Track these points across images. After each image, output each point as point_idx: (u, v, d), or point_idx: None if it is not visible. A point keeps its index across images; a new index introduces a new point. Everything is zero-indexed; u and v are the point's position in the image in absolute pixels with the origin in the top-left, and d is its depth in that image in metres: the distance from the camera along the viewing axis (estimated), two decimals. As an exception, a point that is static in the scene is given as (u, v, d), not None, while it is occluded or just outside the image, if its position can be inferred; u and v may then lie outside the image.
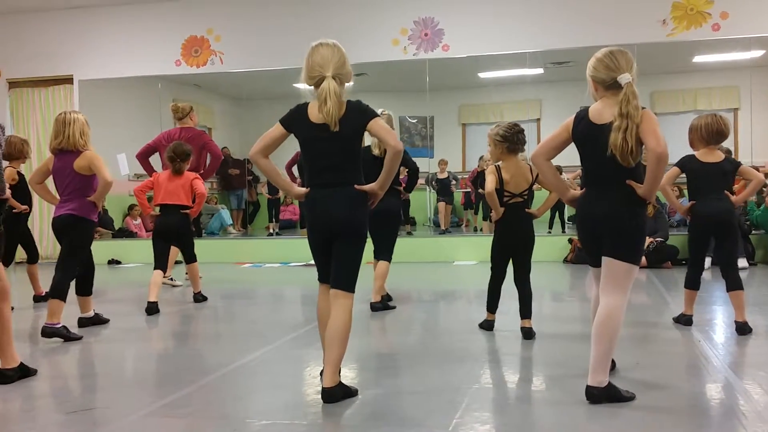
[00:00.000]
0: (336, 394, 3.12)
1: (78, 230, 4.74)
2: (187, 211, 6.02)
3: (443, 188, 12.09)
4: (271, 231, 12.21)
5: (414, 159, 10.29)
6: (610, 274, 3.09)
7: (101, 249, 9.94)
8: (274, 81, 10.67)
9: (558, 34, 9.33)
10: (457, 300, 6.53)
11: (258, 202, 13.51)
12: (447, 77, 11.44)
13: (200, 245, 9.83)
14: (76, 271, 4.82)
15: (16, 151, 6.06)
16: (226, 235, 11.95)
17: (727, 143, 10.95)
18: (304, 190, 3.27)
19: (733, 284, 4.46)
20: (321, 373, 3.34)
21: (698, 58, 11.06)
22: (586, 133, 3.11)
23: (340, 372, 3.23)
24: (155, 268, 5.82)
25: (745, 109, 11.83)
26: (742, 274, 7.26)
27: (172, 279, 7.21)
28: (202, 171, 7.45)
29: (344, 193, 3.17)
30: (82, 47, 10.83)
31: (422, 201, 12.53)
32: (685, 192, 5.48)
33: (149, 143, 7.42)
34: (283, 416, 2.98)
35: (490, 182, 4.31)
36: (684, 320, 4.64)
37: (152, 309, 5.59)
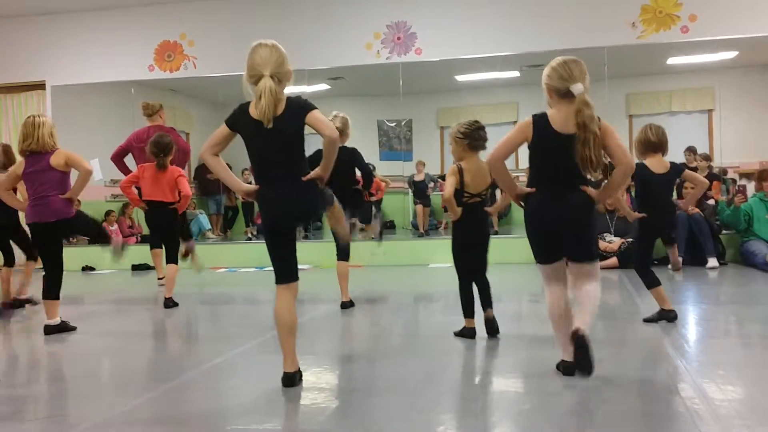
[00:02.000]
0: (297, 377, 3.39)
1: (63, 232, 4.96)
2: (174, 206, 6.12)
3: (419, 191, 12.11)
4: (249, 235, 12.19)
5: (390, 162, 10.30)
6: (584, 272, 3.36)
7: (76, 255, 9.89)
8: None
9: (529, 37, 9.38)
10: (426, 302, 6.55)
11: (237, 206, 13.49)
12: (425, 81, 11.47)
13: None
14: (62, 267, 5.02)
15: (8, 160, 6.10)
16: (204, 240, 11.90)
17: (702, 144, 11.15)
18: (252, 187, 3.37)
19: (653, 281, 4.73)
20: (282, 377, 3.37)
21: (672, 60, 11.16)
22: (548, 141, 3.22)
23: None
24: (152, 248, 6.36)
25: (719, 110, 11.98)
26: (713, 273, 7.40)
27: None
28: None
29: (298, 188, 3.29)
30: (54, 53, 10.76)
31: (402, 205, 12.56)
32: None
33: (121, 145, 7.59)
34: (240, 421, 2.97)
35: (450, 185, 4.25)
36: (668, 317, 4.65)
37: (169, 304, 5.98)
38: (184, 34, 10.41)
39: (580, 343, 3.14)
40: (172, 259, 6.20)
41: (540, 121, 3.24)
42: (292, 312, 3.36)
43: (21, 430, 2.98)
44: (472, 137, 4.26)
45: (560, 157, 3.18)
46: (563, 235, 3.33)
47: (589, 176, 3.29)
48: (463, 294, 4.45)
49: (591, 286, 3.33)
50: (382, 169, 12.14)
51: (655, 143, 4.61)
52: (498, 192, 5.01)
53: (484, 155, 4.29)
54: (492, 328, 4.38)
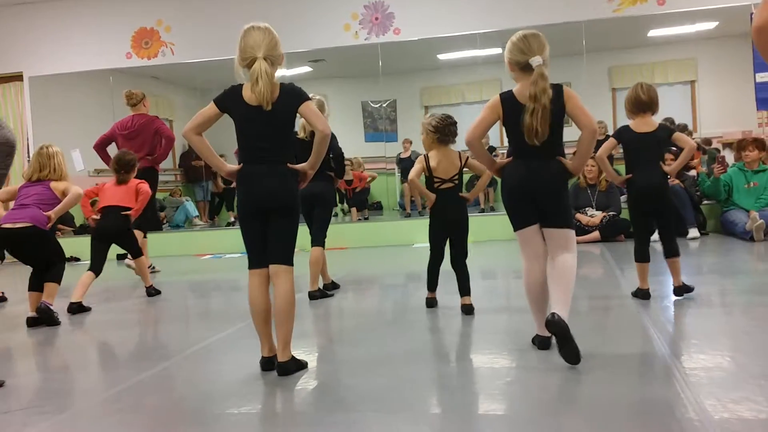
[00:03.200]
0: (290, 367, 3.30)
1: (42, 240, 4.94)
2: (128, 213, 5.91)
3: (406, 169, 12.08)
4: (232, 218, 12.18)
5: (374, 144, 10.24)
6: (561, 241, 3.35)
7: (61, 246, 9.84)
8: (232, 70, 10.60)
9: (506, 14, 9.38)
10: (408, 282, 6.56)
11: (223, 192, 13.47)
12: (407, 60, 11.44)
13: (164, 238, 9.87)
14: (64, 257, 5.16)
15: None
16: (191, 227, 11.90)
17: (686, 115, 11.19)
18: (235, 167, 3.35)
19: (671, 251, 4.58)
20: (260, 362, 3.40)
21: (653, 32, 11.16)
22: (516, 114, 3.28)
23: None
24: (89, 269, 5.66)
25: (702, 81, 12.01)
26: (694, 244, 7.45)
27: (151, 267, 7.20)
28: (156, 155, 7.50)
29: (278, 170, 3.29)
30: (30, 43, 10.68)
31: (388, 186, 12.56)
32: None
33: (105, 134, 7.60)
34: (217, 406, 2.98)
35: (415, 171, 4.46)
36: (641, 294, 4.64)
37: (73, 309, 5.45)
38: (160, 21, 10.34)
39: (558, 331, 3.11)
40: (136, 254, 6.10)
41: (507, 96, 3.33)
42: (265, 298, 3.35)
43: (-2, 422, 2.99)
44: (443, 132, 4.44)
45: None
46: (538, 202, 3.35)
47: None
48: (429, 270, 4.70)
49: (568, 255, 3.31)
50: (368, 150, 12.15)
51: (645, 102, 4.49)
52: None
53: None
54: (467, 311, 4.48)
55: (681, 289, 4.58)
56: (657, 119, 4.62)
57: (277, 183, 3.27)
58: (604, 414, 2.58)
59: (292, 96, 3.24)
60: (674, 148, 4.96)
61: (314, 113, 3.27)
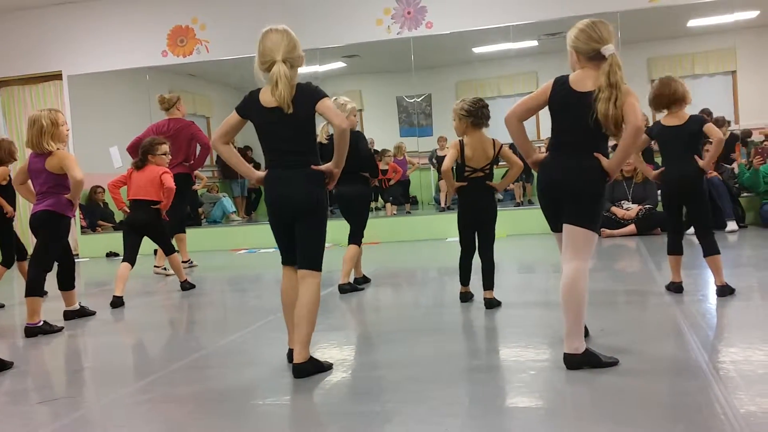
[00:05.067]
0: (306, 369, 3.21)
1: (53, 226, 4.77)
2: (158, 206, 6.01)
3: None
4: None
5: (408, 138, 10.14)
6: (570, 240, 3.11)
7: (100, 242, 10.04)
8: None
9: (540, 5, 9.29)
10: (439, 275, 6.54)
11: (260, 188, 13.53)
12: (441, 54, 11.39)
13: (200, 234, 9.99)
14: (50, 266, 4.83)
15: (6, 154, 6.10)
16: (228, 222, 12.00)
17: (727, 106, 10.97)
18: (263, 174, 3.33)
19: (709, 249, 4.40)
20: (288, 354, 3.42)
21: (692, 22, 10.94)
22: (565, 100, 3.12)
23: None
24: (123, 261, 5.83)
25: (742, 71, 11.75)
26: (733, 237, 7.31)
27: (165, 269, 7.27)
28: (192, 161, 7.51)
29: (302, 174, 3.23)
30: (69, 43, 10.88)
31: (424, 180, 12.54)
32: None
33: (139, 136, 7.47)
34: (243, 397, 3.02)
35: (449, 158, 4.38)
36: (674, 288, 4.56)
37: (117, 303, 5.55)
38: (195, 18, 10.45)
39: (576, 368, 3.01)
40: (168, 251, 6.19)
41: (560, 81, 3.16)
42: (295, 292, 3.31)
43: (30, 411, 3.05)
44: (476, 115, 4.35)
45: (574, 116, 3.07)
46: (564, 200, 3.14)
47: (611, 142, 3.17)
48: (460, 264, 4.67)
49: (576, 264, 3.06)
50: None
51: (666, 95, 4.37)
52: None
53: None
54: (489, 305, 4.47)
55: (724, 289, 4.35)
56: (694, 110, 4.50)
57: (300, 188, 3.22)
58: (629, 406, 2.55)
59: (308, 95, 3.20)
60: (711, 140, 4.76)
61: (331, 109, 3.21)
